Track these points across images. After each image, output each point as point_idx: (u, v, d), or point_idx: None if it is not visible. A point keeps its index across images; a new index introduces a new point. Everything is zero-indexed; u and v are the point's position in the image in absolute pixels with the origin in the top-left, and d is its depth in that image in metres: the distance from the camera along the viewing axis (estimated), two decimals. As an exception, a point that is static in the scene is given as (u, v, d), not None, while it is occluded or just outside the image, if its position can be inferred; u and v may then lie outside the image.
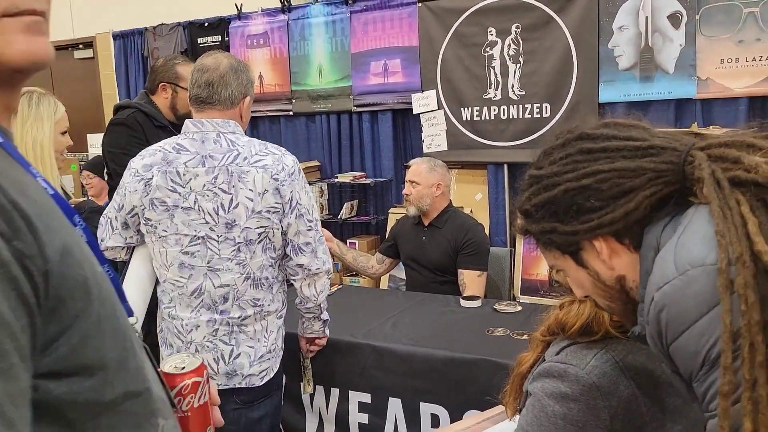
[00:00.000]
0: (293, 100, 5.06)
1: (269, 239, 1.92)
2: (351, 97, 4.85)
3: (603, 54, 4.03)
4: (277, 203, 1.88)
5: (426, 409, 2.09)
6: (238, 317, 1.93)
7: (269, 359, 1.98)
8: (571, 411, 1.14)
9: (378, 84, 4.75)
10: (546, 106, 4.24)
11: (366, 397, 2.19)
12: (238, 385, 1.96)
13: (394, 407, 2.14)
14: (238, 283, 1.91)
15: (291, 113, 5.09)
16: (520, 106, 4.31)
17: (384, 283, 4.46)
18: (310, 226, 1.95)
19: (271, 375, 2.00)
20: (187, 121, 1.97)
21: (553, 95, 4.20)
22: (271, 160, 1.90)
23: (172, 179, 1.89)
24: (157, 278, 2.02)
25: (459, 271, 2.88)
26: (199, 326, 1.93)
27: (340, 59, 4.86)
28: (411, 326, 2.32)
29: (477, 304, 2.52)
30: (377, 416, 2.18)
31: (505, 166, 4.37)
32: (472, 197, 4.63)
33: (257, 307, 1.94)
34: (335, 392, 2.25)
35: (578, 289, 1.08)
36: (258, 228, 1.88)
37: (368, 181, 4.74)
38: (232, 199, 1.86)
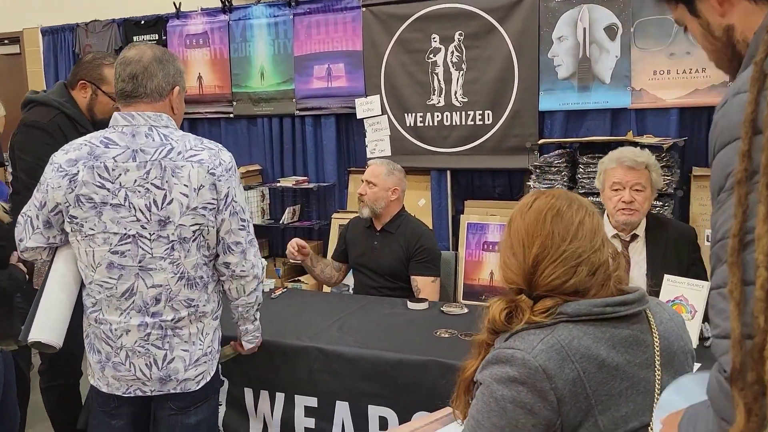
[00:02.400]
0: (234, 103, 4.97)
1: (203, 237, 1.85)
2: (294, 100, 4.79)
3: (543, 63, 4.12)
4: (213, 199, 1.82)
5: (374, 412, 2.06)
6: (172, 319, 1.85)
7: (205, 362, 1.91)
8: (519, 394, 1.17)
9: (321, 88, 4.71)
10: (488, 113, 4.30)
11: (312, 401, 2.15)
12: (172, 391, 1.88)
13: (342, 411, 2.11)
14: (171, 283, 1.83)
15: (232, 115, 4.99)
16: (463, 112, 4.36)
17: (327, 288, 4.41)
18: (243, 226, 1.89)
19: (208, 378, 1.93)
20: (115, 113, 1.87)
21: (495, 102, 4.26)
22: (207, 155, 1.83)
23: (100, 174, 1.79)
24: (82, 281, 1.92)
25: (412, 277, 2.87)
26: (129, 331, 1.84)
27: (282, 62, 4.80)
28: (358, 328, 2.30)
29: (424, 306, 2.51)
30: (324, 420, 2.13)
31: (448, 172, 4.41)
32: (416, 203, 4.64)
33: (191, 308, 1.87)
34: (280, 397, 2.20)
35: (700, 41, 1.03)
36: (193, 225, 1.81)
37: (311, 185, 4.70)
38: (165, 195, 1.78)
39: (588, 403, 1.16)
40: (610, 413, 1.17)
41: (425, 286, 2.81)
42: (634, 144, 3.76)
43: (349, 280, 3.25)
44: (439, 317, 2.42)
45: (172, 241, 1.81)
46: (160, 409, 1.94)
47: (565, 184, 3.85)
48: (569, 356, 1.17)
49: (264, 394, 2.22)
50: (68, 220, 1.84)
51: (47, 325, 1.88)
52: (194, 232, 1.82)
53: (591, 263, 1.24)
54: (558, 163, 3.87)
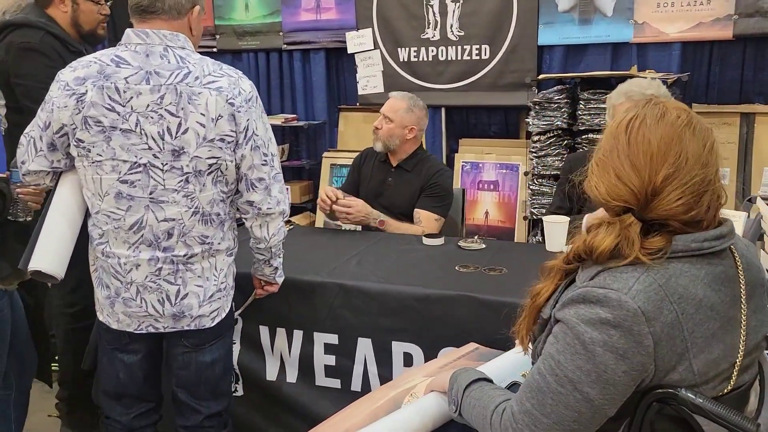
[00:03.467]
0: (217, 36, 4.74)
1: (221, 172, 1.74)
2: (281, 34, 4.59)
3: (543, -5, 3.99)
4: (231, 132, 1.70)
5: (398, 348, 2.01)
6: (184, 255, 1.76)
7: (219, 299, 1.84)
8: (611, 338, 1.08)
9: (310, 20, 4.51)
10: (485, 48, 4.17)
11: (333, 338, 2.09)
12: (186, 328, 1.81)
13: (364, 347, 2.05)
14: (185, 218, 1.73)
15: (215, 50, 4.77)
16: (459, 47, 4.22)
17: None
18: (266, 161, 1.78)
19: (223, 315, 1.86)
20: (128, 30, 1.73)
21: (493, 36, 4.13)
22: (226, 82, 1.70)
23: (110, 96, 1.67)
24: (87, 209, 1.81)
25: (416, 210, 2.77)
26: (139, 265, 1.75)
27: (268, -8, 4.57)
28: (377, 264, 2.22)
29: (440, 242, 2.45)
30: (345, 357, 2.08)
31: (443, 109, 4.30)
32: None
33: (205, 245, 1.78)
34: (298, 334, 2.13)
35: None
36: (209, 158, 1.70)
37: (300, 123, 4.55)
38: (180, 124, 1.67)
39: (684, 346, 1.09)
40: (704, 356, 1.11)
41: (428, 221, 2.71)
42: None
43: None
44: (458, 253, 2.36)
45: (187, 173, 1.70)
46: (174, 346, 1.86)
47: (565, 120, 3.79)
48: (667, 297, 1.08)
49: (281, 332, 2.15)
50: (74, 143, 1.72)
51: (48, 255, 1.78)
52: (210, 165, 1.72)
53: (713, 193, 1.13)
54: (558, 99, 3.79)
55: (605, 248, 1.13)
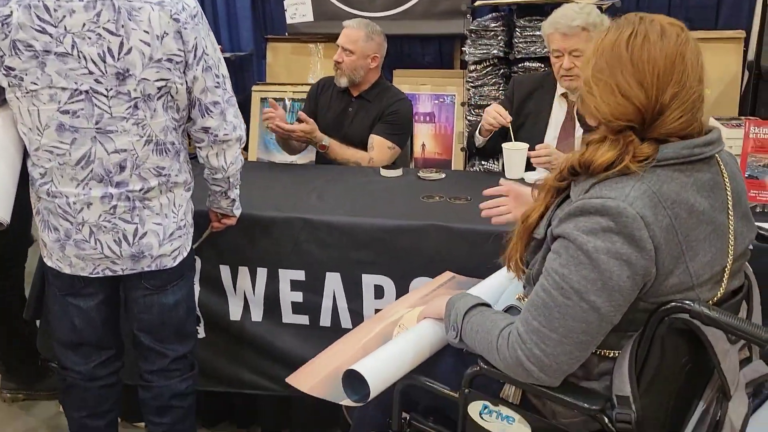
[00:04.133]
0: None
1: (171, 96, 1.63)
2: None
3: None
4: (179, 51, 1.58)
5: (369, 280, 1.98)
6: (140, 190, 1.65)
7: (180, 237, 1.75)
8: (615, 244, 1.10)
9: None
10: (419, -28, 4.05)
11: (299, 275, 2.03)
12: (146, 269, 1.72)
13: (332, 282, 2.01)
14: (138, 148, 1.62)
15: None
16: (392, -29, 4.09)
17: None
18: (218, 83, 1.68)
19: (185, 254, 1.78)
20: None
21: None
22: None
23: (39, 16, 1.51)
24: (25, 147, 1.66)
25: (371, 136, 2.69)
26: (91, 204, 1.63)
27: None
28: (339, 198, 2.16)
29: (398, 173, 2.40)
30: (313, 293, 2.03)
31: (376, 38, 4.19)
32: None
33: (162, 177, 1.68)
34: (262, 272, 2.05)
35: None
36: (158, 81, 1.59)
37: (225, 55, 4.30)
38: (122, 43, 1.54)
39: (679, 249, 1.12)
40: (699, 259, 1.15)
41: (381, 147, 2.64)
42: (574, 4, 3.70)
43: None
44: (418, 183, 2.33)
45: (135, 98, 1.58)
46: (133, 289, 1.77)
47: (501, 49, 3.77)
48: (661, 202, 1.11)
49: (243, 271, 2.07)
50: (4, 72, 1.56)
51: None
52: (159, 89, 1.60)
53: (703, 107, 1.16)
54: (494, 27, 3.75)
55: (604, 161, 1.14)
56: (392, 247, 1.94)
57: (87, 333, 1.79)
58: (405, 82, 4.33)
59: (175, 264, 1.75)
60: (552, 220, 1.22)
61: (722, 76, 3.70)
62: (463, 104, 4.04)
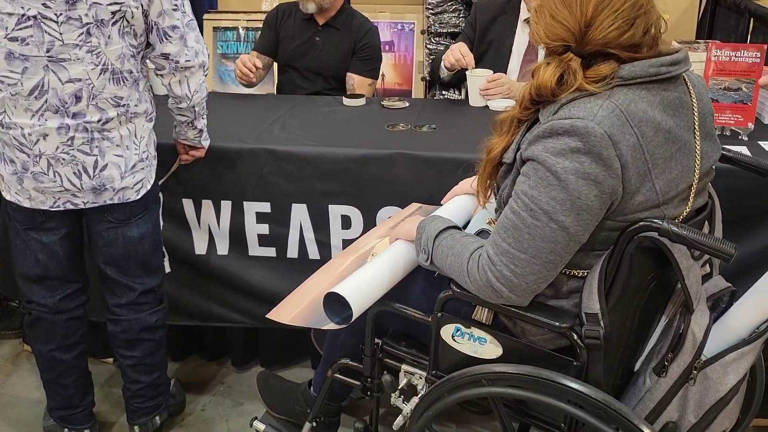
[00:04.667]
0: None
1: (127, 21, 1.56)
2: None
3: None
4: None
5: (335, 211, 1.97)
6: (98, 121, 1.60)
7: (143, 169, 1.71)
8: (583, 164, 1.12)
9: None
10: None
11: (264, 207, 2.00)
12: (109, 202, 1.68)
13: (299, 213, 1.99)
14: (93, 77, 1.56)
15: None
16: None
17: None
18: (176, 5, 1.61)
19: (148, 187, 1.74)
20: None
21: None
22: None
23: None
24: None
25: (348, 75, 2.61)
26: (47, 135, 1.57)
27: None
28: (303, 128, 2.12)
29: (362, 102, 2.36)
30: (279, 225, 2.01)
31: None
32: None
33: (121, 107, 1.62)
34: (226, 205, 2.02)
35: None
36: (111, 5, 1.52)
37: None
38: None
39: (646, 167, 1.14)
40: (664, 176, 1.17)
41: (361, 86, 2.61)
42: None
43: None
44: (382, 112, 2.29)
45: (87, 24, 1.51)
46: (97, 223, 1.73)
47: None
48: (628, 121, 1.13)
49: (207, 204, 2.03)
50: None
51: None
52: (113, 13, 1.53)
53: (647, 17, 1.16)
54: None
55: (549, 79, 1.17)
56: (359, 177, 1.93)
57: (51, 267, 1.76)
58: (363, 9, 4.15)
59: (138, 197, 1.71)
60: (521, 144, 1.23)
61: (679, 2, 3.71)
62: (422, 32, 3.97)
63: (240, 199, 2.02)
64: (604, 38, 1.14)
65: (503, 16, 2.46)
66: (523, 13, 2.41)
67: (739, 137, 1.83)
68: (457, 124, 2.15)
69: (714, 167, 1.31)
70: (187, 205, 2.05)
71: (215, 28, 4.26)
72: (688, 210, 1.23)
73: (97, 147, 1.61)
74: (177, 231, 2.07)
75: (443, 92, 3.65)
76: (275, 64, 2.83)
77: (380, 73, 4.24)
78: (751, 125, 1.82)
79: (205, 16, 4.26)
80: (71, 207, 1.66)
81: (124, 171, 1.66)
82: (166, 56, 1.63)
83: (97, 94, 1.57)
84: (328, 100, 2.43)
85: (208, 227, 2.07)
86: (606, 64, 1.16)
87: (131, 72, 1.61)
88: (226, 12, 4.28)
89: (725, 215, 1.41)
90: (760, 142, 1.80)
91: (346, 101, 2.36)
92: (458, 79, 2.43)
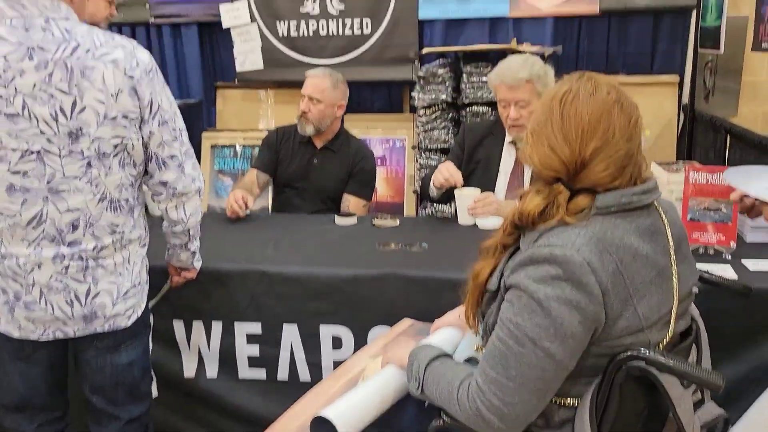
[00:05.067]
0: (75, 9, 4.33)
1: (128, 152, 1.61)
2: (147, 6, 4.28)
3: (423, -32, 4.02)
4: (135, 107, 1.57)
5: (326, 331, 1.97)
6: (93, 248, 1.61)
7: (135, 295, 1.70)
8: (564, 291, 1.14)
9: (181, -9, 4.24)
10: (367, 22, 4.14)
11: (255, 327, 2.00)
12: (99, 330, 1.66)
13: (290, 334, 1.98)
14: (91, 207, 1.58)
15: (73, 24, 4.36)
16: (340, 20, 4.16)
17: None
18: (175, 136, 1.66)
19: (139, 313, 1.73)
20: None
21: (374, 10, 4.11)
22: (121, 53, 1.54)
23: None
24: None
25: (345, 195, 2.68)
26: (42, 264, 1.58)
27: (130, -40, 4.23)
28: (295, 247, 2.15)
29: (353, 221, 2.41)
30: (270, 346, 2.00)
31: (326, 84, 4.24)
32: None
33: (116, 235, 1.64)
34: (217, 326, 2.02)
35: None
36: (113, 138, 1.56)
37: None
38: (75, 102, 1.51)
39: (627, 292, 1.16)
40: (646, 301, 1.19)
41: (356, 207, 2.67)
42: (517, 53, 3.84)
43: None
44: (373, 231, 2.34)
45: (88, 156, 1.55)
46: (84, 350, 1.70)
47: (449, 94, 3.86)
48: (606, 248, 1.16)
49: (197, 325, 2.03)
50: None
51: None
52: (115, 146, 1.58)
53: (636, 164, 1.22)
54: (441, 73, 3.85)
55: (533, 209, 1.21)
56: (350, 296, 1.94)
57: (33, 397, 1.72)
58: (356, 126, 4.37)
59: (129, 323, 1.69)
60: (504, 271, 1.25)
61: (659, 118, 3.87)
62: (413, 147, 4.11)
63: (231, 319, 2.02)
64: (595, 181, 1.20)
65: (490, 137, 2.56)
66: (509, 136, 2.51)
67: (723, 256, 1.86)
68: (446, 243, 2.19)
69: (694, 290, 1.33)
70: (178, 326, 2.04)
71: (213, 146, 4.41)
72: (670, 334, 1.24)
73: (90, 275, 1.61)
74: (166, 353, 2.05)
75: (434, 206, 3.73)
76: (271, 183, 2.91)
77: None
78: (733, 244, 1.86)
79: (204, 133, 4.43)
80: (60, 336, 1.64)
81: (116, 298, 1.65)
82: (164, 183, 1.68)
83: (94, 223, 1.59)
84: (320, 219, 2.48)
85: (198, 349, 2.05)
86: (584, 197, 1.21)
87: (128, 200, 1.65)
88: (224, 130, 4.45)
89: (711, 336, 1.41)
90: (743, 261, 1.83)
91: (338, 220, 2.41)
92: (448, 197, 2.49)
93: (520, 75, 2.36)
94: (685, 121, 3.85)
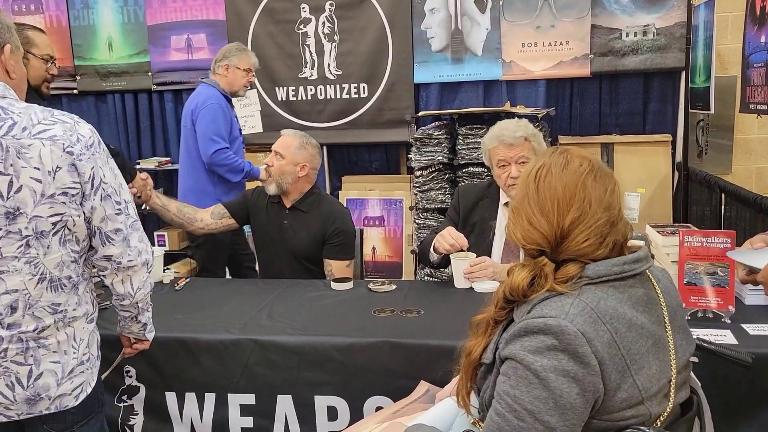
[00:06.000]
0: (77, 77, 4.43)
1: (69, 229, 1.55)
2: (150, 74, 4.38)
3: (417, 35, 4.13)
4: (75, 183, 1.52)
5: (321, 402, 1.92)
6: (34, 330, 1.53)
7: (83, 372, 1.61)
8: (561, 362, 1.12)
9: (181, 60, 4.35)
10: (363, 86, 4.23)
11: (249, 399, 1.96)
12: (45, 411, 1.56)
13: (284, 405, 1.94)
14: (30, 287, 1.51)
15: (75, 91, 4.46)
16: (337, 85, 4.25)
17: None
18: (120, 210, 1.61)
19: (89, 391, 1.63)
20: None
21: (370, 75, 4.21)
22: (60, 130, 1.51)
23: None
24: None
25: (326, 261, 2.68)
26: None
27: (134, 31, 4.36)
28: (290, 315, 2.13)
29: (349, 286, 2.40)
30: (264, 418, 1.95)
31: (324, 147, 4.29)
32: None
33: (58, 314, 1.57)
34: (210, 398, 1.98)
35: None
36: (52, 216, 1.51)
37: (175, 167, 4.32)
38: (11, 182, 1.46)
39: (623, 363, 1.15)
40: (644, 372, 1.17)
41: (340, 270, 2.66)
42: (511, 115, 3.90)
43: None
44: (370, 296, 2.32)
45: (26, 236, 1.49)
46: None
47: (446, 156, 3.90)
48: (600, 318, 1.15)
49: (190, 397, 1.99)
50: None
51: None
52: (54, 224, 1.52)
53: (617, 233, 1.22)
54: (437, 135, 3.90)
55: (521, 282, 1.21)
56: (345, 366, 1.91)
57: None
58: (354, 187, 4.42)
59: (77, 402, 1.59)
60: (499, 343, 1.24)
61: (654, 176, 3.90)
62: (411, 208, 4.12)
63: (224, 391, 1.98)
64: (578, 251, 1.20)
65: (485, 200, 2.57)
66: (504, 198, 2.52)
67: (722, 320, 1.84)
68: (443, 308, 2.17)
69: (695, 360, 1.31)
70: (170, 398, 2.00)
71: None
72: (670, 406, 1.21)
73: (32, 356, 1.54)
74: (157, 426, 2.01)
75: (430, 270, 3.72)
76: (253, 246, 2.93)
77: (372, 246, 4.37)
78: (731, 308, 1.83)
79: (202, 197, 4.44)
80: (4, 419, 1.55)
81: (61, 378, 1.57)
82: (108, 258, 1.61)
83: (34, 304, 1.52)
84: (315, 285, 2.46)
85: (191, 421, 2.00)
86: (573, 265, 1.20)
87: (70, 277, 1.58)
88: (222, 193, 4.46)
89: (713, 405, 1.38)
90: (743, 325, 1.81)
91: (335, 285, 2.40)
92: (446, 261, 2.48)
93: (518, 133, 2.39)
94: (680, 179, 3.88)
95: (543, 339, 1.13)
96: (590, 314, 1.14)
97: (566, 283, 1.19)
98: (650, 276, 1.29)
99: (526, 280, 1.20)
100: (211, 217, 2.81)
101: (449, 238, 2.36)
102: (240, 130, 3.65)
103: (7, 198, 1.46)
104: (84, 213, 1.55)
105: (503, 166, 2.42)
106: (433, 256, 2.45)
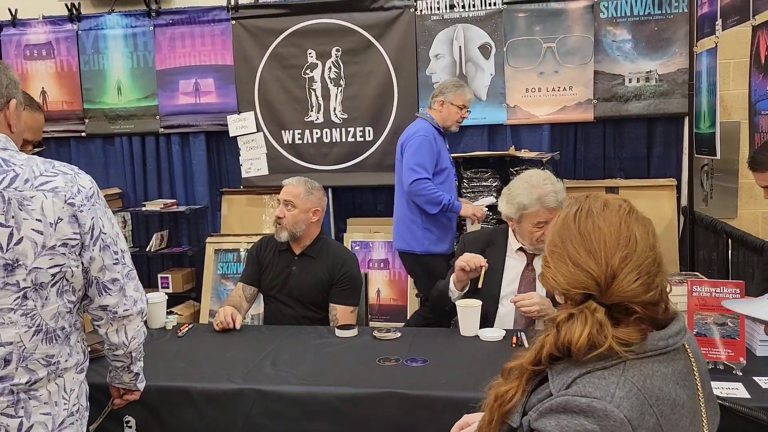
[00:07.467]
0: (86, 120, 4.49)
1: (67, 280, 1.54)
2: (157, 117, 4.43)
3: (422, 80, 4.18)
4: (75, 234, 1.52)
5: (325, 454, 1.89)
6: (26, 382, 1.51)
7: (72, 424, 1.59)
8: None
9: (189, 104, 4.40)
10: (369, 130, 4.27)
11: (251, 450, 1.93)
12: None
13: (287, 457, 1.91)
14: (25, 340, 1.49)
15: (84, 134, 4.51)
16: (343, 129, 4.29)
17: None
18: (117, 260, 1.61)
19: None
20: None
21: (375, 119, 4.24)
22: (62, 181, 1.52)
23: None
24: None
25: (331, 305, 2.67)
26: None
27: (142, 76, 4.42)
28: (294, 363, 2.10)
29: (353, 333, 2.37)
30: (266, 470, 1.92)
31: (329, 190, 4.30)
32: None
33: (51, 366, 1.55)
34: (212, 449, 1.95)
35: None
36: (52, 268, 1.50)
37: (181, 209, 4.35)
38: (12, 234, 1.46)
39: None
40: None
41: (344, 316, 2.64)
42: (516, 159, 3.91)
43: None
44: (374, 344, 2.29)
45: (24, 288, 1.48)
46: None
47: (450, 199, 3.90)
48: (647, 401, 1.08)
49: (190, 448, 1.96)
50: None
51: None
52: (54, 275, 1.51)
53: (661, 276, 1.16)
54: (443, 178, 3.91)
55: (582, 341, 1.10)
56: (349, 416, 1.87)
57: None
58: (359, 230, 4.42)
59: None
60: (527, 408, 1.17)
61: (659, 221, 3.89)
62: (416, 252, 4.11)
63: (226, 441, 1.94)
64: (629, 292, 1.12)
65: (492, 246, 2.56)
66: (516, 244, 2.51)
67: (733, 372, 1.81)
68: (448, 357, 2.14)
69: None
70: (171, 449, 1.97)
71: (216, 250, 4.43)
72: None
73: (23, 408, 1.51)
74: (158, 478, 1.96)
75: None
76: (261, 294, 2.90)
77: (377, 289, 4.35)
78: (743, 360, 1.80)
79: (208, 239, 4.46)
80: None
81: (51, 430, 1.54)
82: (104, 308, 1.61)
83: (28, 356, 1.50)
84: (319, 331, 2.44)
85: (192, 474, 1.96)
86: (632, 328, 1.12)
87: (64, 328, 1.56)
88: (227, 235, 4.48)
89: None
90: (755, 378, 1.77)
91: (339, 332, 2.37)
92: (452, 312, 2.47)
93: (560, 197, 2.40)
94: (686, 224, 3.87)
95: (584, 423, 1.05)
96: (637, 396, 1.07)
97: (628, 347, 1.10)
98: (685, 345, 1.20)
99: (585, 336, 1.10)
100: (247, 301, 2.80)
101: (464, 261, 2.37)
102: (452, 162, 3.66)
103: (7, 250, 1.45)
104: (82, 263, 1.55)
105: (541, 226, 2.40)
106: (455, 293, 2.44)
